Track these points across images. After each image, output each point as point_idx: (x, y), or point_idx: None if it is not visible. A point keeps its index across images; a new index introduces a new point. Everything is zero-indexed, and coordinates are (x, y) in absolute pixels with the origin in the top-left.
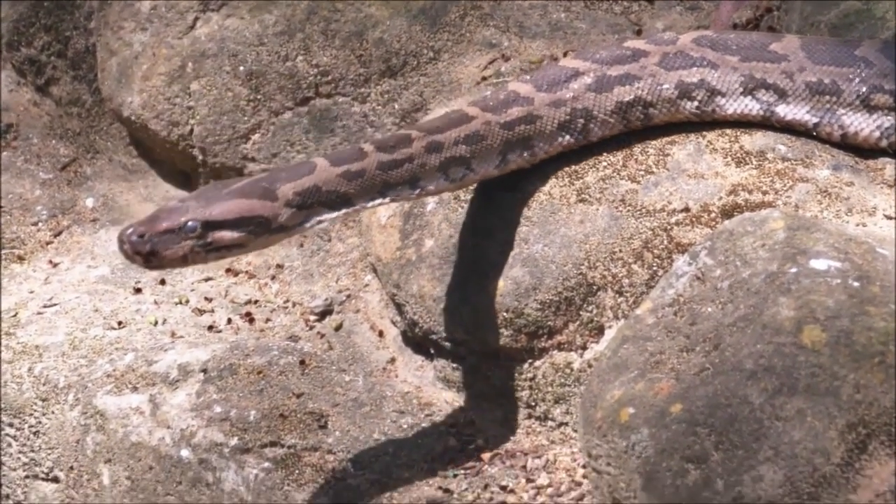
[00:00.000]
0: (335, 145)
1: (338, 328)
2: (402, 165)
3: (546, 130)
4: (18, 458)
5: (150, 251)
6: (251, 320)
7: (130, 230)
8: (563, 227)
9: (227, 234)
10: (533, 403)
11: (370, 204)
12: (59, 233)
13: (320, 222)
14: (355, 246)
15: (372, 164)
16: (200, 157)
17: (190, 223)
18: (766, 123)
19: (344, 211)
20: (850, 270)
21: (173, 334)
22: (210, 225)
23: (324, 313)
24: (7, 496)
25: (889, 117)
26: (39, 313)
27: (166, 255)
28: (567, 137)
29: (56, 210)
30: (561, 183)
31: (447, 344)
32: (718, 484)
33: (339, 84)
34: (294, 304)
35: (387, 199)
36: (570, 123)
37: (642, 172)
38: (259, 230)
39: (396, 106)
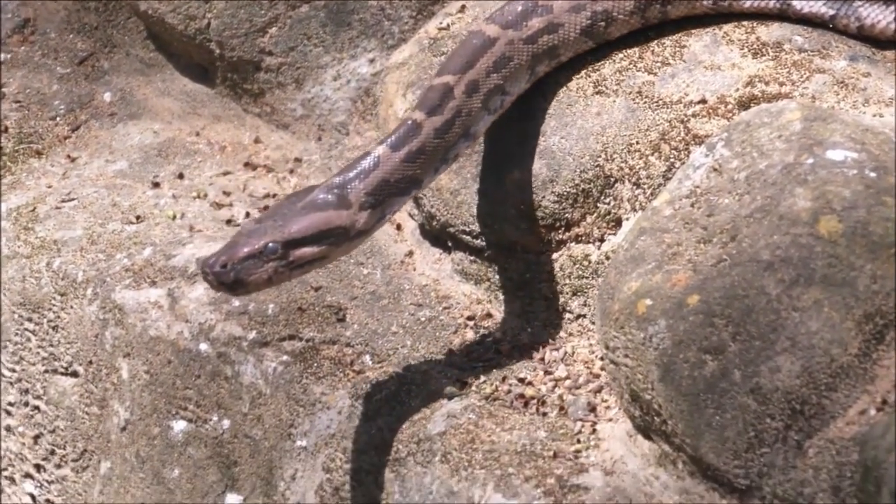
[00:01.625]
0: (352, 39)
1: None
2: (455, 123)
3: (570, 38)
4: (38, 353)
5: (234, 279)
6: None
7: (213, 260)
8: (580, 119)
9: (308, 250)
10: (550, 296)
11: (436, 175)
12: (77, 127)
13: (394, 211)
14: (373, 139)
15: (429, 134)
16: (217, 51)
17: (270, 245)
18: (783, 16)
19: (414, 192)
20: (866, 161)
21: (192, 228)
22: (290, 244)
23: None
24: (26, 391)
25: None
26: (58, 208)
27: (251, 280)
28: (590, 42)
29: (74, 104)
30: (578, 75)
31: (464, 237)
32: (736, 375)
33: None
34: None
35: (449, 163)
36: (592, 28)
37: (659, 64)
38: (339, 240)
39: None
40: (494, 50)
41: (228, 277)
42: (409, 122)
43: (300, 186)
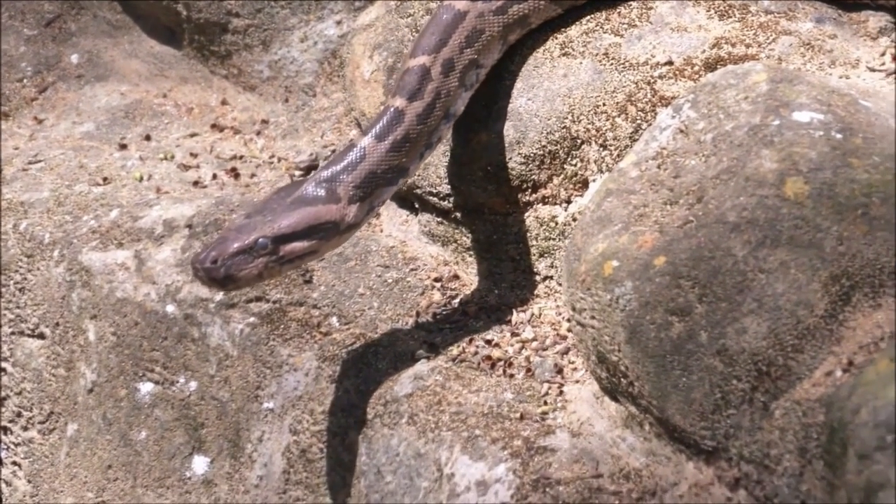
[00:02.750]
0: (319, 0)
1: None
2: (436, 105)
3: (540, 6)
4: (4, 315)
5: (225, 275)
6: (236, 176)
7: (203, 255)
8: (546, 80)
9: (298, 245)
10: (517, 257)
11: (422, 161)
12: (44, 89)
13: (383, 202)
14: (340, 101)
15: (412, 120)
16: (184, 13)
17: (261, 240)
18: None
19: (401, 181)
20: (832, 122)
21: (158, 190)
22: (280, 239)
23: (309, 168)
24: None
25: None
26: (24, 170)
27: (242, 275)
28: (558, 9)
29: (41, 66)
30: (545, 38)
31: (431, 198)
32: (702, 336)
33: None
34: (279, 160)
35: (433, 148)
36: None
37: (625, 26)
38: (329, 234)
39: None
40: (466, 24)
41: (219, 273)
42: (392, 109)
43: (266, 148)
